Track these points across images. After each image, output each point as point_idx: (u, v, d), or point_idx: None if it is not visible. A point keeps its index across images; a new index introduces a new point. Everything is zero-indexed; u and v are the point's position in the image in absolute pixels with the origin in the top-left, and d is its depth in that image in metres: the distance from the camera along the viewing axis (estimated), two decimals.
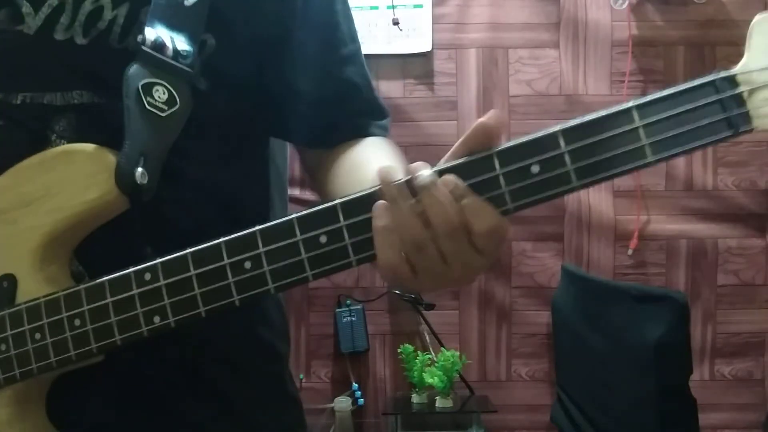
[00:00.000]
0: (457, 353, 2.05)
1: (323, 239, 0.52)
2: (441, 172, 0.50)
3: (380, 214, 0.50)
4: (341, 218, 0.52)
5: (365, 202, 0.51)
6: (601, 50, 2.16)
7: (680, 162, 2.14)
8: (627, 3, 2.10)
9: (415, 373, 2.04)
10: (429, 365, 2.05)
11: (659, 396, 1.42)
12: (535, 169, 0.48)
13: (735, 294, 2.18)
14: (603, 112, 0.48)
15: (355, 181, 0.65)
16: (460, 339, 2.21)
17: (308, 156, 0.78)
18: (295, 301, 2.20)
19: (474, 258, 0.50)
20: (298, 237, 0.52)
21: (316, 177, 0.76)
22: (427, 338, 2.19)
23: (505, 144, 0.49)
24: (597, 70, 2.16)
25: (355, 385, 2.18)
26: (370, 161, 0.68)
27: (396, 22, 2.11)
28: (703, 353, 2.17)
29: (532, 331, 2.21)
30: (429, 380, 2.02)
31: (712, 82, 0.46)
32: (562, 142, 0.48)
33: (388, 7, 2.12)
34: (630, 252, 2.17)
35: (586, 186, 0.48)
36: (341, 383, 2.21)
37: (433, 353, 2.13)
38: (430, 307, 2.15)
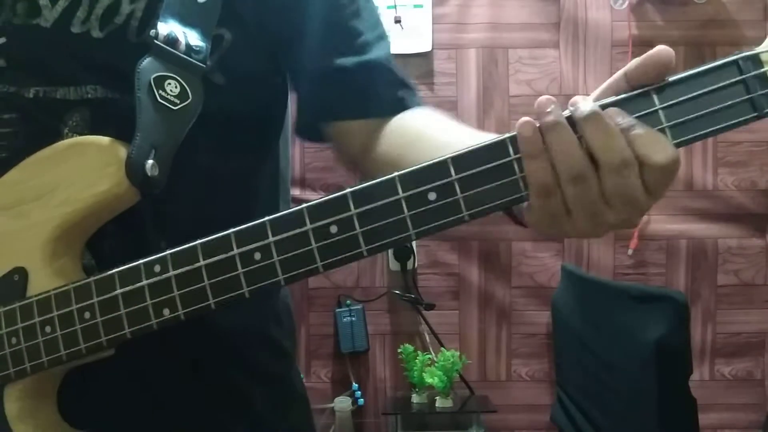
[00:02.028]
0: (457, 353, 2.05)
1: (333, 229, 0.51)
2: (602, 107, 0.46)
3: (534, 140, 0.46)
4: (352, 207, 0.51)
5: (377, 190, 0.50)
6: (601, 50, 2.16)
7: (680, 162, 2.15)
8: (627, 3, 2.10)
9: (415, 373, 2.04)
10: (429, 365, 2.05)
11: (659, 396, 1.42)
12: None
13: (735, 294, 2.18)
14: (622, 96, 0.46)
15: (428, 148, 0.59)
16: (460, 339, 2.21)
17: (353, 136, 0.71)
18: (295, 301, 2.20)
19: (640, 197, 0.46)
20: (308, 226, 0.52)
21: (367, 160, 0.70)
22: (427, 338, 2.19)
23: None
24: (597, 70, 2.16)
25: (355, 385, 2.18)
26: (444, 129, 0.65)
27: (398, 20, 2.11)
28: (703, 353, 2.17)
29: (532, 331, 2.21)
30: (429, 380, 2.02)
31: (734, 62, 0.44)
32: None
33: (389, 7, 2.12)
34: (630, 252, 2.17)
35: None
36: (341, 383, 2.21)
37: (433, 353, 2.13)
38: (430, 307, 2.15)
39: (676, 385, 1.44)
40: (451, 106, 2.19)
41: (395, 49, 2.12)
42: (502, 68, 2.19)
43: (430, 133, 0.65)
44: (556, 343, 2.11)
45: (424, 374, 2.03)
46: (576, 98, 0.47)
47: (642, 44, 2.13)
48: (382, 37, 0.73)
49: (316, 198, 0.77)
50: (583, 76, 2.16)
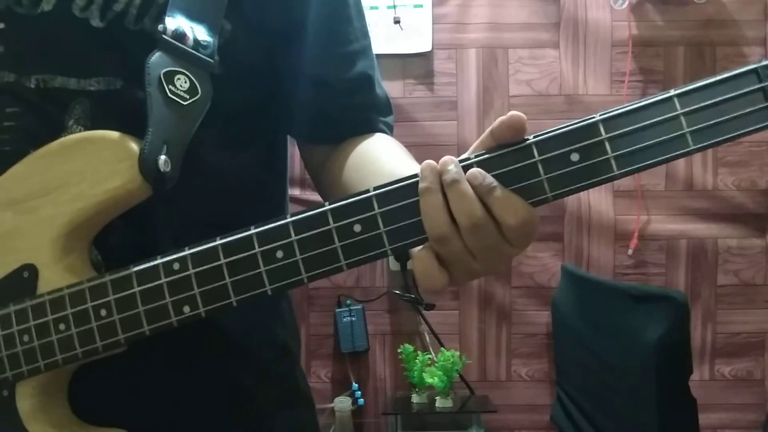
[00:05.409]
0: (457, 353, 2.05)
1: (357, 228, 0.52)
2: (470, 165, 0.50)
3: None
4: (376, 207, 0.52)
5: (401, 190, 0.51)
6: (601, 50, 2.16)
7: (680, 162, 2.14)
8: (627, 3, 2.10)
9: (415, 373, 2.04)
10: (429, 365, 2.05)
11: (659, 396, 1.42)
12: (575, 157, 0.48)
13: (735, 294, 2.18)
14: (644, 101, 0.48)
15: (366, 176, 0.65)
16: (460, 339, 2.21)
17: (313, 154, 0.77)
18: (295, 301, 2.18)
19: (503, 249, 0.50)
20: (332, 225, 0.52)
21: (322, 176, 0.75)
22: (427, 338, 2.19)
23: (544, 133, 0.49)
24: (597, 70, 2.16)
25: (355, 385, 2.18)
26: (381, 157, 0.68)
27: (397, 21, 2.11)
28: (703, 353, 2.17)
29: (532, 331, 2.21)
30: (429, 380, 2.01)
31: (754, 70, 0.46)
32: (602, 130, 0.48)
33: (389, 7, 2.12)
34: (630, 252, 2.17)
35: (626, 174, 0.48)
36: (341, 383, 2.21)
37: (433, 353, 2.13)
38: (430, 307, 2.14)
39: (676, 385, 1.44)
40: (451, 106, 2.19)
41: (395, 49, 2.14)
42: (502, 68, 2.19)
43: (372, 162, 0.68)
44: (556, 343, 2.11)
45: (424, 374, 2.02)
46: (446, 161, 0.50)
47: (642, 44, 2.14)
48: (368, 46, 0.76)
49: (316, 199, 0.76)
50: (583, 76, 2.16)
